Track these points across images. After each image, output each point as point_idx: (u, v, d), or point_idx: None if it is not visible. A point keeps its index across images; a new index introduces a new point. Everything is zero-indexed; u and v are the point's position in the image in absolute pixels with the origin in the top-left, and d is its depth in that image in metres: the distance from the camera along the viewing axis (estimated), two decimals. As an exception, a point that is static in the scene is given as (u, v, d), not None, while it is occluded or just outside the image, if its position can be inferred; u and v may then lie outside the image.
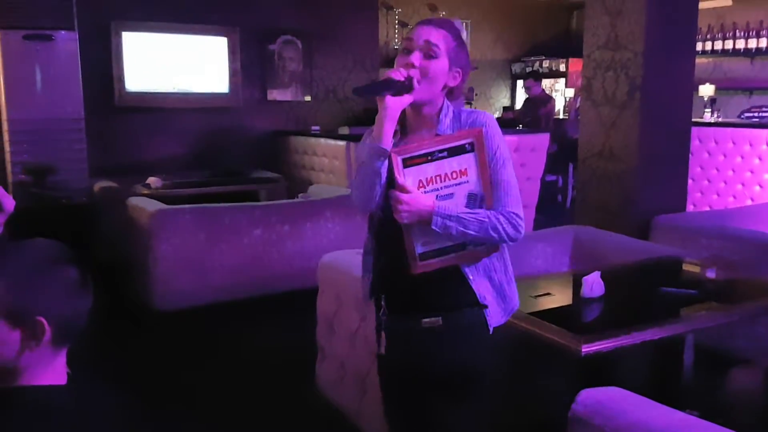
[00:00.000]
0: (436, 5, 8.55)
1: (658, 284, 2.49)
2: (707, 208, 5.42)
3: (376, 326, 1.73)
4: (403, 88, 1.57)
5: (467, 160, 1.57)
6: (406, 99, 1.57)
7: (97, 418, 1.10)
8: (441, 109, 1.65)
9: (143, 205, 4.11)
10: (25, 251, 1.11)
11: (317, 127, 6.48)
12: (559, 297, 2.51)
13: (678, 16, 3.78)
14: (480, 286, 1.62)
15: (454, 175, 1.59)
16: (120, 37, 5.73)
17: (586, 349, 1.91)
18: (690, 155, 4.12)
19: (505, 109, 8.08)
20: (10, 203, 1.12)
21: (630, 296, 2.52)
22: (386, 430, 1.80)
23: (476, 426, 1.63)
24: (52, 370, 1.11)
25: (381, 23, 7.66)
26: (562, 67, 9.31)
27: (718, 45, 7.78)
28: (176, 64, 6.01)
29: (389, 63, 8.26)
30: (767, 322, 2.90)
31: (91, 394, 1.14)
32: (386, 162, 1.57)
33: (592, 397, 1.45)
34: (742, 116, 6.77)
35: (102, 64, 5.65)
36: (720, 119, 6.25)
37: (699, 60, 6.50)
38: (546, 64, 9.43)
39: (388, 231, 1.63)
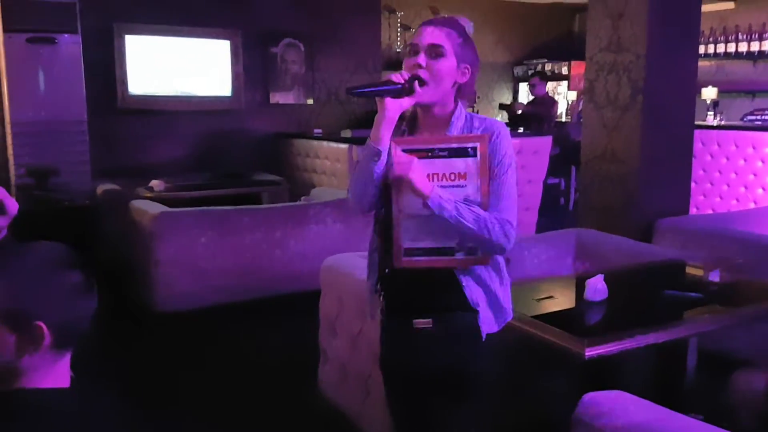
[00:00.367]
0: (438, 8, 8.55)
1: (662, 287, 2.49)
2: (710, 211, 5.41)
3: (381, 325, 1.76)
4: (402, 90, 1.56)
5: (468, 165, 1.56)
6: (406, 102, 1.57)
7: (98, 421, 1.10)
8: (453, 112, 1.66)
9: (146, 207, 4.11)
10: (27, 254, 1.10)
11: (319, 130, 6.48)
12: (561, 300, 2.51)
13: (680, 19, 3.78)
14: (473, 292, 1.62)
15: (453, 177, 1.58)
16: (123, 39, 5.74)
17: (590, 352, 1.90)
18: (693, 158, 4.11)
19: (501, 106, 8.01)
20: (13, 206, 1.12)
21: (633, 299, 2.51)
22: (390, 428, 1.81)
23: (475, 426, 1.64)
24: (54, 374, 1.11)
25: (383, 26, 7.66)
26: (565, 70, 9.30)
27: (721, 48, 7.77)
28: (179, 67, 6.02)
29: (391, 66, 8.26)
30: (771, 325, 2.89)
31: (92, 396, 1.14)
32: (381, 163, 1.58)
33: (595, 401, 1.45)
34: (745, 119, 6.76)
35: (105, 67, 5.66)
36: (723, 122, 6.24)
37: (702, 63, 6.50)
38: (548, 66, 9.42)
39: (389, 230, 1.65)
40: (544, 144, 5.72)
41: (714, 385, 2.42)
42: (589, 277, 2.38)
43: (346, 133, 5.88)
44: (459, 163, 1.57)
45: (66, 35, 5.05)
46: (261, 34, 6.46)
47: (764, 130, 5.37)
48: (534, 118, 6.80)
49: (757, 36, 7.56)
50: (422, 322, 1.63)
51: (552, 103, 7.36)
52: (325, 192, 4.95)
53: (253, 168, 6.23)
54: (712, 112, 6.46)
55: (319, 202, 4.50)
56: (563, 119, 9.16)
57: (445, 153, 1.58)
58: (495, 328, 1.67)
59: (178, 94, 6.04)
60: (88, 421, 1.09)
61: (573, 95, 9.20)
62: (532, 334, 2.07)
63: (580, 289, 2.41)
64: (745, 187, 5.34)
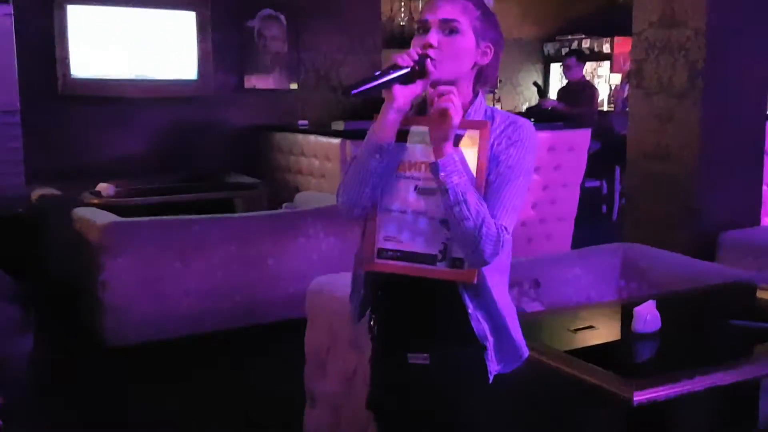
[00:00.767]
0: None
1: (727, 316, 2.48)
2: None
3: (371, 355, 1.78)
4: (412, 74, 1.57)
5: (464, 155, 1.58)
6: (418, 87, 1.59)
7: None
8: (472, 102, 1.68)
9: (92, 217, 4.12)
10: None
11: (305, 122, 6.50)
12: (604, 331, 2.51)
13: (750, -14, 3.80)
14: (480, 320, 1.64)
15: None
16: (64, 11, 5.76)
17: (639, 396, 1.90)
18: (765, 156, 4.11)
19: (537, 90, 7.99)
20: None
21: (692, 331, 2.51)
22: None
23: None
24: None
25: (384, -6, 7.70)
26: (606, 48, 9.33)
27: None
28: (133, 45, 6.04)
29: (394, 43, 8.29)
30: None
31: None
32: (384, 162, 1.60)
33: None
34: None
35: (42, 45, 5.68)
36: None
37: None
38: (586, 43, 9.46)
39: None
40: (581, 139, 5.73)
41: (792, 437, 2.41)
42: (638, 304, 2.38)
43: (338, 126, 5.89)
44: (456, 152, 1.59)
45: (-5, 5, 5.06)
46: (234, 3, 6.49)
47: None
48: (568, 118, 6.77)
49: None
50: (417, 357, 1.65)
51: (591, 91, 7.34)
52: (312, 197, 4.96)
53: (224, 168, 6.24)
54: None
55: (305, 210, 4.51)
56: (605, 108, 9.18)
57: None
58: (506, 369, 1.68)
59: (133, 77, 6.06)
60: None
61: (617, 79, 9.23)
62: (566, 374, 2.07)
63: (626, 318, 2.41)
64: (829, 192, 5.34)
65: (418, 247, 1.61)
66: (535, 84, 8.08)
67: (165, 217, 4.22)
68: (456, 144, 1.58)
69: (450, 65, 1.62)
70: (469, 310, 1.62)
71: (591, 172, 6.50)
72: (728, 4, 3.76)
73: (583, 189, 5.90)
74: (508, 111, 1.80)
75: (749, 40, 3.84)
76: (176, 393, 3.58)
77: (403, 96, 1.58)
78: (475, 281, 1.61)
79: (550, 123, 6.37)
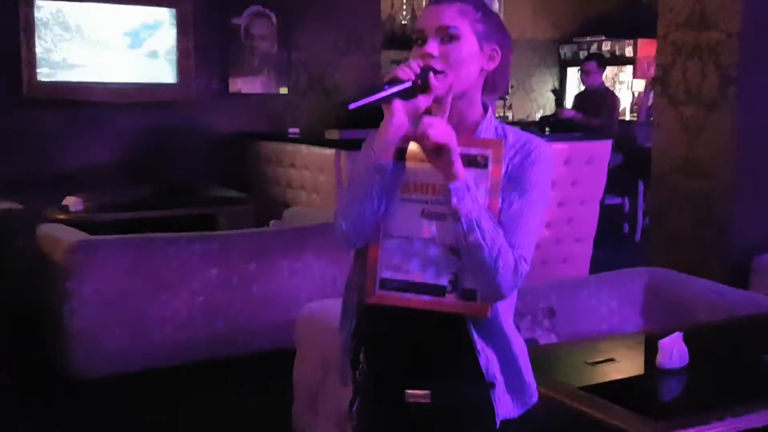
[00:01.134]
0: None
1: (762, 350, 2.48)
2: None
3: (353, 390, 1.76)
4: (414, 89, 1.58)
5: (475, 178, 1.58)
6: (422, 102, 1.59)
7: None
8: (482, 118, 1.69)
9: (58, 234, 4.12)
10: None
11: (296, 130, 6.51)
12: (625, 365, 2.51)
13: (788, -15, 3.83)
14: (489, 358, 1.63)
15: None
16: (31, 7, 5.79)
17: (664, 439, 1.90)
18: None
19: (556, 97, 8.01)
20: None
21: (723, 367, 2.51)
22: None
23: None
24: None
25: (384, -10, 7.74)
26: (629, 51, 9.37)
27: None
28: (106, 44, 6.06)
29: (395, 43, 8.33)
30: None
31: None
32: (386, 182, 1.60)
33: None
34: None
35: (6, 44, 5.70)
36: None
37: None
38: (606, 46, 9.50)
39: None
40: (601, 151, 5.75)
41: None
42: (664, 336, 2.38)
43: (333, 134, 5.91)
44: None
45: (-47, 0, 5.09)
46: (218, -1, 6.52)
47: None
48: (586, 129, 6.79)
49: None
50: (417, 394, 1.64)
51: (612, 100, 7.33)
52: (303, 214, 4.95)
53: (206, 180, 6.24)
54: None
55: (295, 228, 4.51)
56: (627, 117, 9.21)
57: None
58: (515, 413, 1.67)
59: (105, 80, 6.08)
60: None
61: (640, 85, 9.27)
62: (582, 413, 2.07)
63: (651, 351, 2.41)
64: None
65: (425, 277, 1.61)
66: (554, 91, 8.12)
67: (139, 235, 4.22)
68: (466, 164, 1.58)
69: (454, 75, 1.62)
70: (477, 346, 1.62)
71: (612, 187, 6.51)
72: (764, 4, 3.79)
73: (602, 206, 5.91)
74: (518, 125, 1.81)
75: (787, 44, 3.87)
76: (149, 431, 3.57)
77: (404, 112, 1.58)
78: (489, 315, 1.61)
79: (567, 133, 6.39)
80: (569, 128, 6.79)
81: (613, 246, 6.64)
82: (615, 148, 6.25)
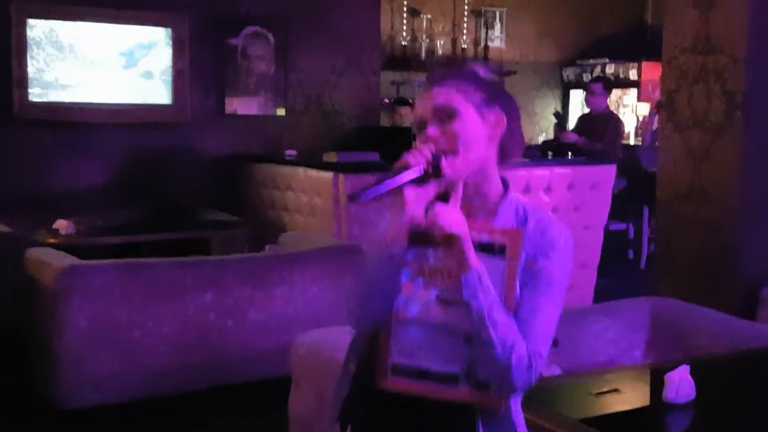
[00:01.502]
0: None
1: (771, 384, 2.47)
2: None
3: None
4: (426, 176, 1.58)
5: (491, 267, 1.58)
6: (432, 189, 1.59)
7: None
8: (501, 200, 1.68)
9: (48, 258, 4.10)
10: None
11: (293, 152, 6.52)
12: (630, 396, 2.50)
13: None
14: None
15: None
16: (24, 25, 5.80)
17: (671, 477, 1.88)
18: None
19: (558, 120, 8.03)
20: None
21: (732, 401, 2.49)
22: None
23: None
24: None
25: (384, 10, 7.78)
26: (633, 74, 9.42)
27: None
28: (100, 64, 6.08)
29: (395, 64, 8.37)
30: None
31: None
32: (398, 268, 1.60)
33: None
34: None
35: (-2, 62, 5.72)
36: None
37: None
38: (611, 69, 9.55)
39: (377, 335, 1.65)
40: (605, 175, 5.76)
41: None
42: (670, 369, 2.37)
43: (331, 157, 5.90)
44: (480, 262, 1.58)
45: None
46: (215, 19, 6.54)
47: None
48: (590, 154, 6.79)
49: None
50: None
51: (616, 124, 7.33)
52: (299, 238, 4.95)
53: (200, 203, 6.24)
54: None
55: (291, 253, 4.50)
56: (631, 141, 9.23)
57: None
58: None
59: (99, 100, 6.09)
60: None
61: (645, 108, 9.30)
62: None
63: (657, 385, 2.40)
64: None
65: (437, 365, 1.60)
66: (556, 114, 8.14)
67: (131, 260, 4.21)
68: (482, 251, 1.58)
69: (462, 155, 1.62)
70: None
71: (616, 213, 6.52)
72: (771, 29, 3.81)
73: (607, 232, 5.91)
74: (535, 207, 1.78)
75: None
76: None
77: (416, 200, 1.57)
78: (502, 408, 1.61)
79: (569, 159, 6.40)
80: (573, 152, 6.80)
81: (617, 273, 6.63)
82: (619, 173, 6.26)
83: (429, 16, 8.80)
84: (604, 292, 5.46)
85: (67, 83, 5.99)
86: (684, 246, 4.03)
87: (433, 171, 1.58)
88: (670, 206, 4.10)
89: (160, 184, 6.29)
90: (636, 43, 9.55)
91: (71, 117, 5.97)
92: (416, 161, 1.57)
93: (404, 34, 8.59)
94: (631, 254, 7.82)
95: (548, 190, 5.52)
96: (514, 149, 1.71)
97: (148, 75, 6.27)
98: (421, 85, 1.69)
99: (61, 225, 5.19)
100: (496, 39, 9.16)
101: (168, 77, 6.30)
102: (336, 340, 2.64)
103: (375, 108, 7.32)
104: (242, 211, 6.24)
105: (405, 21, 8.64)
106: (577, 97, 9.70)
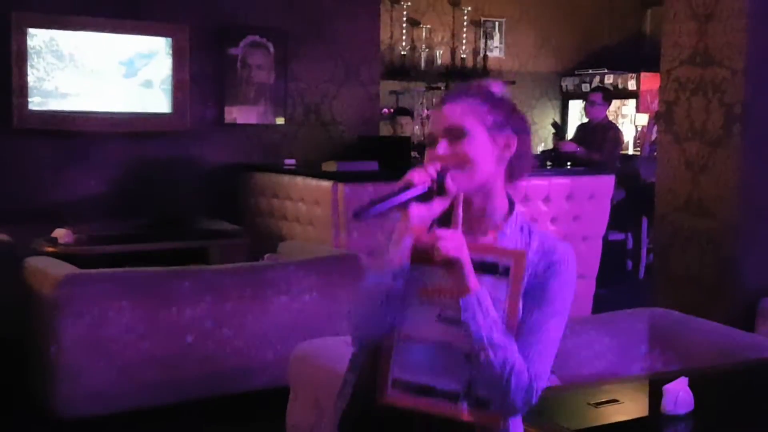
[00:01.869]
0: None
1: (770, 396, 2.47)
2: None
3: None
4: (430, 192, 1.59)
5: (494, 287, 1.59)
6: (437, 206, 1.61)
7: None
8: (506, 218, 1.68)
9: (47, 267, 4.10)
10: None
11: (292, 161, 6.52)
12: (629, 407, 2.50)
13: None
14: None
15: None
16: (24, 34, 5.81)
17: (670, 490, 1.88)
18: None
19: (555, 130, 8.05)
20: None
21: (730, 413, 2.49)
22: None
23: None
24: None
25: (384, 20, 7.80)
26: (632, 85, 9.44)
27: None
28: (100, 73, 6.09)
29: (395, 74, 8.38)
30: None
31: None
32: (399, 287, 1.61)
33: None
34: None
35: (-3, 71, 5.72)
36: None
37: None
38: (609, 79, 9.57)
39: (379, 350, 1.66)
40: (604, 186, 5.76)
41: None
42: (668, 381, 2.37)
43: (330, 166, 5.91)
44: (483, 283, 1.59)
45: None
46: (215, 29, 6.55)
47: None
48: (588, 164, 6.79)
49: None
50: None
51: (615, 134, 7.30)
52: (298, 248, 4.94)
53: (198, 213, 6.24)
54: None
55: (290, 262, 4.49)
56: (630, 152, 9.24)
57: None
58: None
59: (98, 109, 6.10)
60: None
61: (643, 119, 9.31)
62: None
63: (655, 396, 2.40)
64: None
65: (438, 381, 1.61)
66: (554, 124, 8.16)
67: (130, 269, 4.20)
68: (486, 271, 1.59)
69: (468, 173, 1.63)
70: None
71: (615, 223, 6.51)
72: (769, 41, 3.82)
73: (605, 243, 5.91)
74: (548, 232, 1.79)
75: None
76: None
77: (420, 217, 1.59)
78: (501, 427, 1.61)
79: (567, 169, 6.41)
80: (571, 162, 6.81)
81: (615, 284, 6.62)
82: (618, 184, 6.27)
83: (428, 26, 8.82)
84: (602, 303, 5.46)
85: (67, 92, 6.00)
86: (683, 257, 4.03)
87: (438, 189, 1.60)
88: (669, 217, 4.11)
89: (159, 193, 6.30)
90: (635, 54, 9.57)
91: (71, 126, 5.98)
92: (420, 179, 1.58)
93: (404, 44, 8.61)
94: (629, 265, 7.81)
95: (547, 200, 5.53)
96: (523, 169, 1.73)
97: (148, 84, 6.28)
98: (432, 103, 1.70)
99: (60, 234, 5.18)
100: (495, 49, 9.18)
101: (168, 86, 6.31)
102: (335, 350, 2.63)
103: (374, 118, 7.33)
104: (241, 220, 6.24)
105: (404, 31, 8.66)
106: (576, 107, 9.72)
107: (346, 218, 5.08)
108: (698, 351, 3.11)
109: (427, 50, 8.74)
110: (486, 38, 9.11)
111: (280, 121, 6.85)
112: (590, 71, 9.72)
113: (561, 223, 5.43)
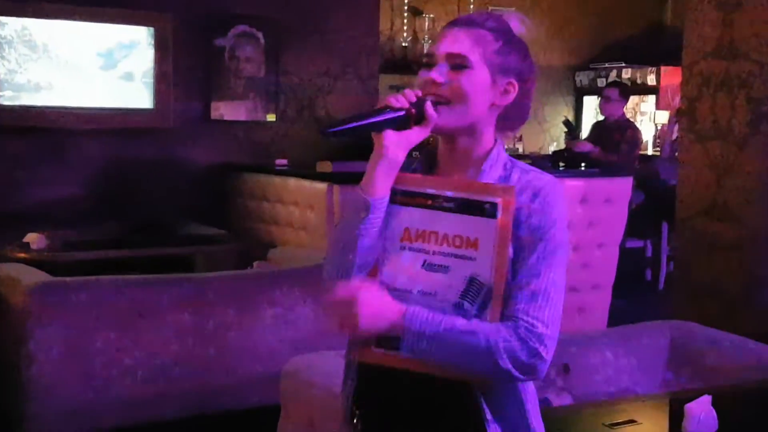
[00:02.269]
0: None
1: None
2: None
3: None
4: (407, 118, 1.59)
5: (482, 228, 1.58)
6: (415, 134, 1.61)
7: None
8: (489, 151, 1.68)
9: (18, 275, 4.09)
10: None
11: (284, 161, 6.53)
12: (647, 428, 2.50)
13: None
14: (499, 430, 1.62)
15: (457, 242, 1.60)
16: (-6, 23, 5.82)
17: None
18: None
19: (568, 129, 8.07)
20: None
21: (757, 434, 2.49)
22: None
23: None
24: None
25: (383, 9, 7.81)
26: (651, 79, 9.45)
27: None
28: (76, 65, 6.09)
29: (395, 67, 8.39)
30: None
31: None
32: (374, 220, 1.61)
33: None
34: None
35: (-34, 63, 5.72)
36: None
37: None
38: (627, 73, 9.58)
39: None
40: (621, 189, 5.75)
41: None
42: (690, 399, 2.37)
43: (325, 167, 5.91)
44: (468, 224, 1.59)
45: None
46: (201, 18, 6.56)
47: None
48: (603, 165, 6.78)
49: None
50: None
51: (633, 134, 7.29)
52: (290, 255, 4.94)
53: (183, 217, 6.24)
54: None
55: (280, 271, 4.49)
56: (649, 152, 9.25)
57: (452, 205, 1.61)
58: None
59: (75, 104, 6.10)
60: None
61: (663, 116, 9.32)
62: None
63: (676, 416, 2.39)
64: None
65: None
66: (566, 122, 8.16)
67: (108, 277, 4.19)
68: (470, 212, 1.58)
69: (458, 108, 1.63)
70: (487, 416, 1.61)
71: (633, 229, 6.52)
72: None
73: (622, 250, 5.90)
74: (529, 159, 1.81)
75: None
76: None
77: (396, 144, 1.60)
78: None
79: (581, 171, 6.41)
80: (586, 163, 6.81)
81: (633, 295, 6.62)
82: (636, 186, 6.27)
83: (431, 15, 8.84)
84: (619, 315, 5.45)
85: (41, 86, 6.00)
86: (705, 267, 4.03)
87: (416, 114, 1.59)
88: (691, 223, 4.11)
89: (140, 195, 6.30)
90: (654, 46, 9.58)
91: (44, 122, 5.98)
92: (399, 103, 1.59)
93: (405, 34, 8.62)
94: (648, 274, 7.82)
95: (559, 204, 5.53)
96: (515, 121, 1.73)
97: (128, 77, 6.28)
98: (447, 25, 1.68)
99: (33, 239, 5.18)
100: (504, 41, 9.19)
101: (149, 80, 6.31)
102: (329, 365, 2.63)
103: (373, 114, 7.33)
104: (229, 225, 6.25)
105: (405, 21, 8.68)
106: (590, 103, 9.74)
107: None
108: (722, 367, 3.10)
109: (429, 41, 8.75)
110: (493, 29, 9.12)
111: (271, 117, 6.85)
112: (606, 65, 9.74)
113: (574, 229, 5.42)
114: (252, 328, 4.22)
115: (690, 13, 4.07)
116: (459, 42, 1.65)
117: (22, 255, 4.96)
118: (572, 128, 8.20)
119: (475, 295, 1.58)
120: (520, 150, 9.16)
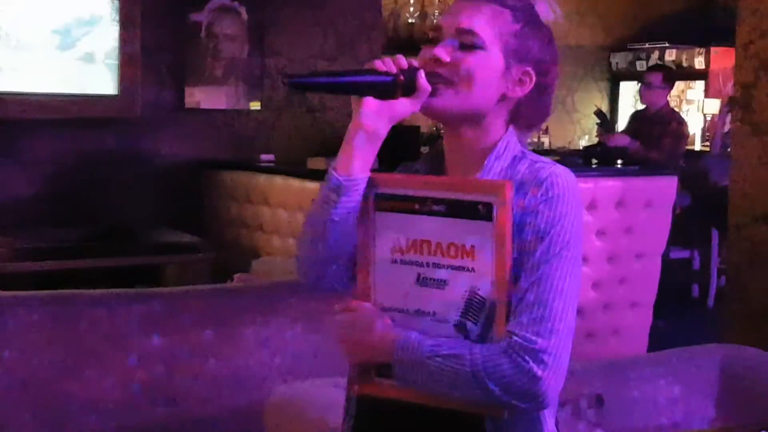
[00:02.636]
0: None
1: None
2: None
3: None
4: (393, 85, 1.58)
5: (477, 233, 1.58)
6: (401, 107, 1.61)
7: None
8: (497, 143, 1.68)
9: (-42, 288, 4.10)
10: None
11: (271, 157, 6.54)
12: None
13: None
14: None
15: (452, 252, 1.59)
16: (-66, -5, 5.83)
17: None
18: None
19: (601, 120, 8.10)
20: None
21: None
22: None
23: None
24: None
25: (386, -20, 7.82)
26: (699, 62, 9.45)
27: None
28: (28, 45, 6.10)
29: (399, 47, 8.38)
30: None
31: None
32: (347, 204, 1.62)
33: None
34: None
35: None
36: None
37: None
38: (671, 55, 9.58)
39: None
40: (664, 190, 5.75)
41: None
42: (745, 436, 2.37)
43: (317, 163, 5.91)
44: (461, 229, 1.59)
45: None
46: (174, -11, 6.58)
47: None
48: (643, 162, 6.78)
49: None
50: None
51: (678, 127, 7.31)
52: (276, 266, 4.94)
53: (151, 221, 6.25)
54: None
55: (265, 284, 4.49)
56: (697, 147, 9.25)
57: (442, 208, 1.60)
58: None
59: (26, 90, 6.10)
60: None
61: (714, 106, 9.32)
62: None
63: (727, 456, 2.39)
64: None
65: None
66: (598, 113, 8.16)
67: (63, 291, 4.20)
68: (463, 215, 1.58)
69: (462, 91, 1.63)
70: None
71: (677, 237, 6.51)
72: None
73: (665, 262, 5.90)
74: (557, 155, 1.81)
75: None
76: None
77: (376, 113, 1.59)
78: (506, 415, 1.59)
79: (618, 168, 6.40)
80: (623, 160, 6.80)
81: (678, 314, 6.62)
82: (682, 187, 6.26)
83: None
84: (661, 338, 5.45)
85: (-13, 68, 6.01)
86: (762, 281, 4.02)
87: (405, 83, 1.59)
88: (745, 230, 4.10)
89: (102, 196, 6.30)
90: (703, 23, 9.59)
91: (-10, 111, 5.99)
92: (385, 67, 1.58)
93: (411, 9, 8.63)
94: (696, 290, 7.81)
95: (591, 207, 5.50)
96: (532, 116, 1.72)
97: (88, 58, 6.29)
98: None
99: (-24, 247, 5.19)
100: (527, 17, 9.21)
101: (113, 61, 6.32)
102: (321, 395, 2.63)
103: (374, 102, 7.34)
104: (205, 231, 6.26)
105: (412, -6, 8.69)
106: (628, 90, 9.75)
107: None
108: (783, 400, 3.11)
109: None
110: (515, 3, 9.14)
111: (256, 106, 6.86)
112: (647, 45, 9.75)
113: (609, 236, 5.41)
114: (232, 353, 4.22)
115: (744, -15, 4.08)
116: (472, 17, 1.65)
117: (-36, 266, 4.97)
118: (606, 119, 8.21)
119: (477, 313, 1.58)
120: (546, 144, 9.17)
